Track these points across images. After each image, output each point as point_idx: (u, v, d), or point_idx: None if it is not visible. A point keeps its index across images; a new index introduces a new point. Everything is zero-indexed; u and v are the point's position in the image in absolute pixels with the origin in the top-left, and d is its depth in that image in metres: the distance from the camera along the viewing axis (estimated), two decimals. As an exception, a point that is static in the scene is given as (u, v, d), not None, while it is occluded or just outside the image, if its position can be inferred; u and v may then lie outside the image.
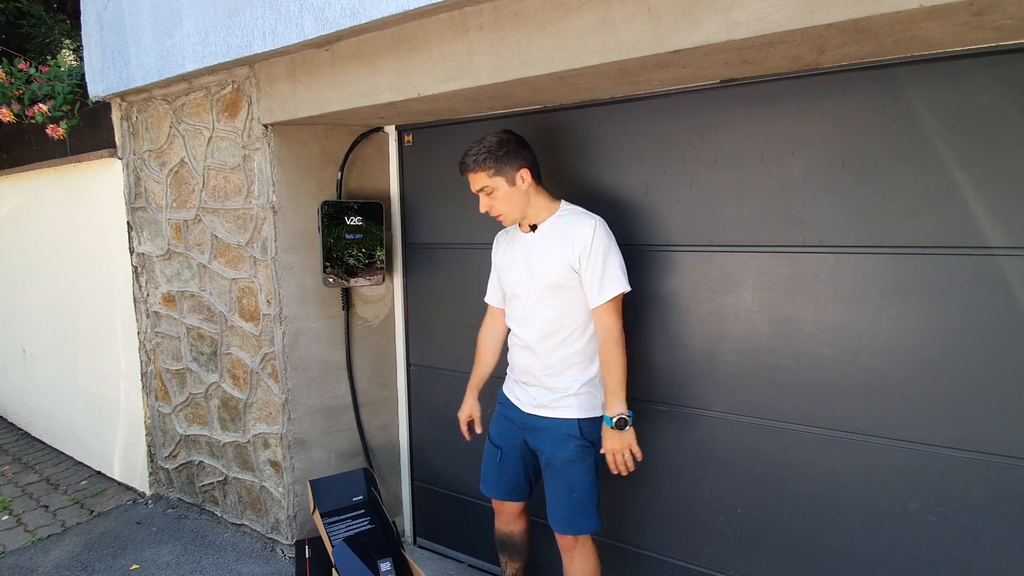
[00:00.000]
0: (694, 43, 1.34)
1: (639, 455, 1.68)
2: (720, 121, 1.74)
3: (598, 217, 1.69)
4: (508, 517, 1.97)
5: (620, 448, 1.65)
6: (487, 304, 1.98)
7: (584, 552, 1.79)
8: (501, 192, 1.69)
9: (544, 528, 2.19)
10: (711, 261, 1.80)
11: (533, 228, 1.75)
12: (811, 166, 1.62)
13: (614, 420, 1.63)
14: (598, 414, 1.74)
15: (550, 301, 1.69)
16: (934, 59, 1.43)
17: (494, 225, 1.92)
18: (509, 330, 1.87)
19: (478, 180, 1.70)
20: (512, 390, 1.87)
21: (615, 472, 1.68)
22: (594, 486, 1.75)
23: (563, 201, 1.77)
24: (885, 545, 1.61)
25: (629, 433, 1.65)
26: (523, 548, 2.02)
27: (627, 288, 1.67)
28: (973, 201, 1.43)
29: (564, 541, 1.79)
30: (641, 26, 1.39)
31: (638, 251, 1.91)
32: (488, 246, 1.97)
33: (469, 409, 1.99)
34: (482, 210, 1.74)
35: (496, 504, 1.97)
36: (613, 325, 1.66)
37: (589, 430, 1.73)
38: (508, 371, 1.92)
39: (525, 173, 1.69)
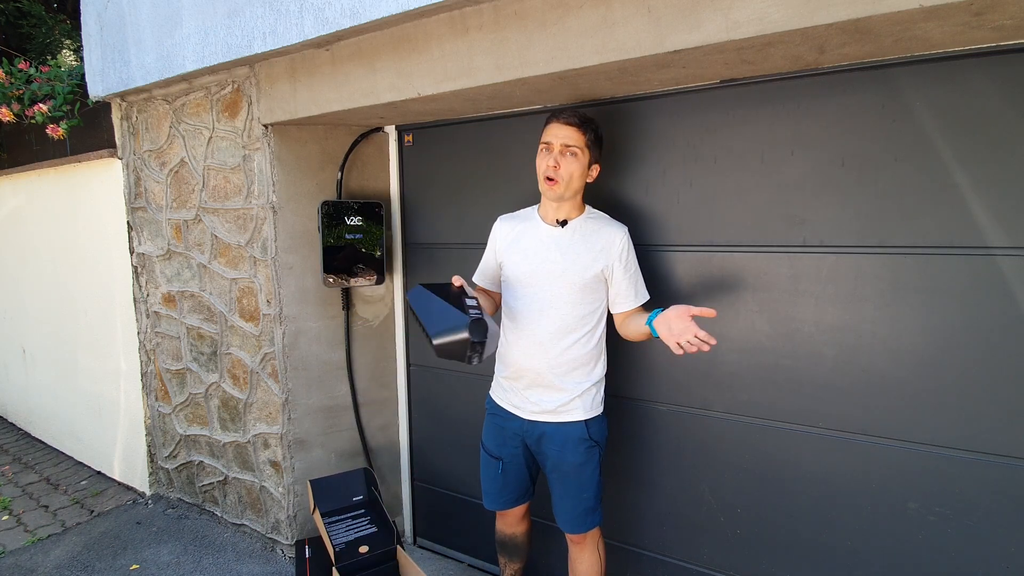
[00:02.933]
0: (694, 43, 1.34)
1: (708, 338, 1.42)
2: (720, 121, 1.74)
3: (625, 226, 1.74)
4: (513, 520, 1.96)
5: (681, 331, 1.43)
6: (473, 284, 1.93)
7: (593, 543, 1.82)
8: (579, 162, 1.65)
9: (542, 527, 2.19)
10: (711, 261, 1.80)
11: (562, 224, 1.72)
12: (811, 166, 1.62)
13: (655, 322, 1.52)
14: (600, 411, 1.77)
15: (574, 299, 1.69)
16: (934, 59, 1.43)
17: (493, 224, 1.92)
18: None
19: (573, 136, 1.63)
20: (507, 397, 1.82)
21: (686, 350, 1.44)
22: (600, 485, 1.77)
23: (587, 206, 1.78)
24: (885, 545, 1.62)
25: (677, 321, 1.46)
26: (524, 549, 2.02)
27: (648, 297, 1.76)
28: (973, 201, 1.43)
29: (575, 536, 1.80)
30: (641, 26, 1.39)
31: (638, 251, 1.91)
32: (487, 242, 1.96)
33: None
34: (549, 165, 1.63)
35: (507, 514, 1.95)
36: None
37: (595, 429, 1.74)
38: (498, 374, 1.87)
39: (596, 168, 1.73)
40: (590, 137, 1.66)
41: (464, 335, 1.45)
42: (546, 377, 1.71)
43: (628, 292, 1.71)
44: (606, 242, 1.69)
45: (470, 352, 1.47)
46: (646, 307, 1.75)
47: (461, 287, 1.67)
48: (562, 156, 1.64)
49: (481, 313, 1.52)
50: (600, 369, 1.77)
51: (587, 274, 1.68)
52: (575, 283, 1.68)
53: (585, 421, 1.72)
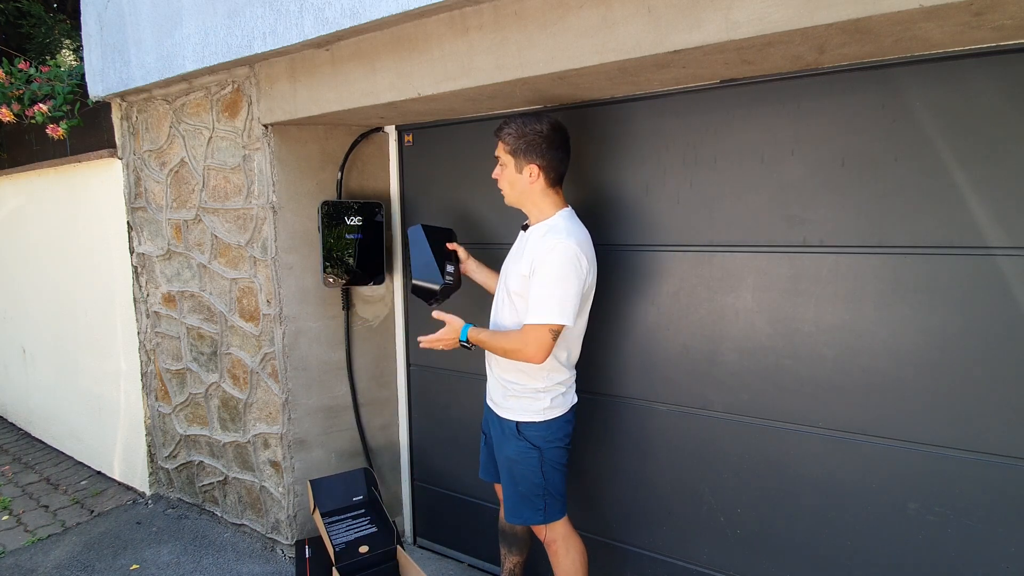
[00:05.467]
0: (694, 43, 1.34)
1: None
2: (720, 121, 1.74)
3: (572, 241, 1.58)
4: None
5: (445, 343, 1.77)
6: None
7: (565, 546, 1.81)
8: (507, 171, 1.72)
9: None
10: (711, 261, 1.80)
11: (524, 228, 1.79)
12: (811, 166, 1.62)
13: (466, 341, 1.74)
14: (539, 419, 1.72)
15: (509, 303, 1.74)
16: (934, 59, 1.43)
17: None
18: None
19: (498, 148, 1.73)
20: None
21: (423, 345, 1.80)
22: (541, 486, 1.75)
23: (565, 211, 1.70)
24: (885, 545, 1.61)
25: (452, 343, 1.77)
26: (523, 541, 2.04)
27: (559, 321, 1.56)
28: (973, 201, 1.43)
29: (542, 536, 1.83)
30: (641, 26, 1.39)
31: (638, 251, 1.91)
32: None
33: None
34: (493, 175, 1.79)
35: (499, 491, 2.00)
36: (526, 347, 1.58)
37: (533, 434, 1.73)
38: None
39: (533, 169, 1.66)
40: (509, 145, 1.67)
41: (434, 288, 1.90)
42: (492, 367, 1.83)
43: (530, 302, 1.59)
44: (534, 251, 1.61)
45: (433, 302, 1.92)
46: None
47: (454, 250, 1.99)
48: (498, 166, 1.74)
49: (452, 280, 1.93)
50: (544, 381, 1.71)
51: (518, 280, 1.67)
52: (509, 287, 1.73)
53: (516, 423, 1.75)
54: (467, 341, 1.74)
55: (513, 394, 1.75)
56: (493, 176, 1.78)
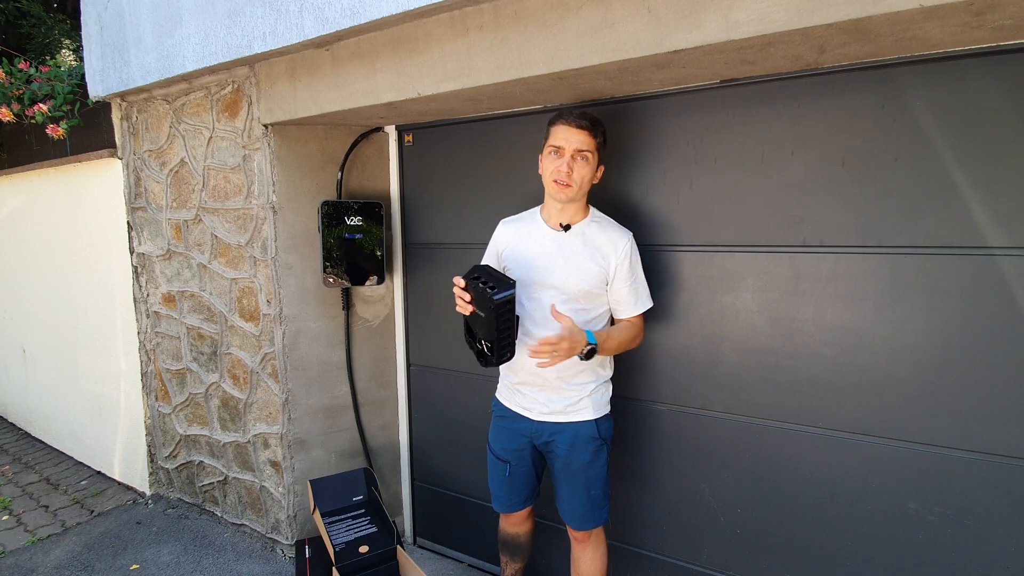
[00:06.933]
0: (694, 43, 1.34)
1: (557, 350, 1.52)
2: (720, 121, 1.74)
3: (630, 231, 1.73)
4: (517, 519, 1.96)
5: (564, 350, 1.52)
6: None
7: (597, 540, 1.82)
8: (590, 166, 1.64)
9: (544, 527, 2.19)
10: (711, 261, 1.80)
11: (566, 227, 1.71)
12: (811, 166, 1.62)
13: (586, 351, 1.56)
14: (608, 410, 1.78)
15: (580, 304, 1.68)
16: (934, 59, 1.43)
17: (493, 224, 1.92)
18: None
19: (584, 141, 1.61)
20: (515, 399, 1.81)
21: (535, 353, 1.53)
22: (607, 482, 1.78)
23: (591, 207, 1.76)
24: (885, 545, 1.62)
25: (577, 349, 1.55)
26: (527, 548, 2.02)
27: (651, 305, 1.76)
28: (973, 201, 1.43)
29: (579, 533, 1.80)
30: (641, 26, 1.39)
31: (639, 251, 1.91)
32: (488, 245, 1.96)
33: None
34: (561, 170, 1.61)
35: (514, 517, 1.95)
36: (641, 333, 1.77)
37: (604, 428, 1.76)
38: (504, 378, 1.86)
39: (602, 169, 1.71)
40: (600, 140, 1.66)
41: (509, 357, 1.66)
42: (554, 381, 1.71)
43: (628, 299, 1.70)
44: (610, 247, 1.68)
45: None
46: (648, 315, 1.78)
47: None
48: (574, 160, 1.62)
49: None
50: (608, 369, 1.79)
51: (592, 280, 1.67)
52: (581, 289, 1.67)
53: (595, 420, 1.73)
54: (594, 348, 1.57)
55: (587, 393, 1.72)
56: (562, 170, 1.61)
